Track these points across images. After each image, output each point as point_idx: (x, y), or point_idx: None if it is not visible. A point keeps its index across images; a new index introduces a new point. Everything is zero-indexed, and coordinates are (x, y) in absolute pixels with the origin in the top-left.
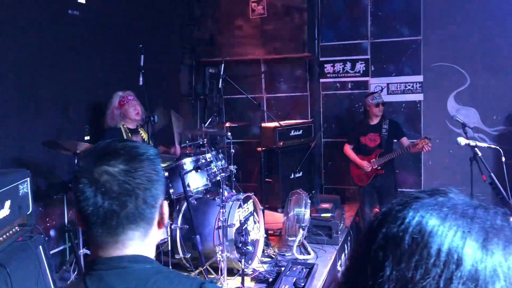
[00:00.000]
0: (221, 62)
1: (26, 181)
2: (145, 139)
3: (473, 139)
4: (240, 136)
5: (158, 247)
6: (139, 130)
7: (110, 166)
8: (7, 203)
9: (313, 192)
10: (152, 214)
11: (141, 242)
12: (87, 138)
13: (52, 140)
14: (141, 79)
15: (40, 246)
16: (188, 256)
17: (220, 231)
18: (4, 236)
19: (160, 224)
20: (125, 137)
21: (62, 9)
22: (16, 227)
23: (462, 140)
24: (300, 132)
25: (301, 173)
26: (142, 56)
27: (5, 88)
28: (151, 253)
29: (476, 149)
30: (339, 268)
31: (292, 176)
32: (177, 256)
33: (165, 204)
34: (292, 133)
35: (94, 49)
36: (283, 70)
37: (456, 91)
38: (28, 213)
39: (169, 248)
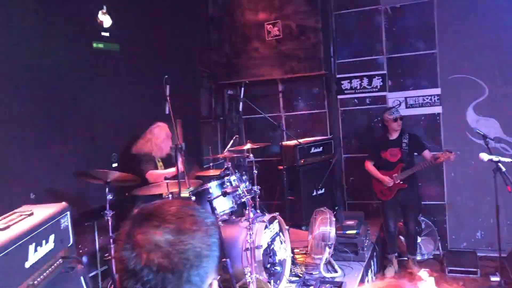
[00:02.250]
0: (239, 84)
1: (67, 214)
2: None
3: (495, 149)
4: (261, 155)
5: None
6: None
7: (156, 232)
8: (51, 237)
9: (336, 208)
10: None
11: None
12: (115, 165)
13: (83, 171)
14: (167, 108)
15: (82, 277)
16: (218, 278)
17: (248, 252)
18: (49, 269)
19: None
20: (158, 166)
21: (87, 42)
22: (60, 260)
23: (484, 156)
24: (320, 149)
25: (323, 189)
26: (168, 86)
27: (36, 119)
28: None
29: (499, 164)
30: (366, 284)
31: (315, 193)
32: None
33: (215, 284)
34: (313, 150)
35: (118, 79)
36: (300, 88)
37: (475, 102)
38: (69, 245)
39: None
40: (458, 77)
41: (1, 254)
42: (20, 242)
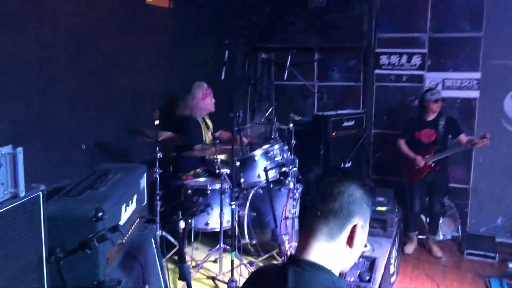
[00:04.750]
0: (275, 48)
1: (144, 175)
2: (210, 127)
3: None
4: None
5: (226, 232)
6: (205, 119)
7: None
8: (135, 198)
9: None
10: (343, 221)
11: (327, 243)
12: (156, 122)
13: (137, 128)
14: (223, 73)
15: (153, 237)
16: (255, 242)
17: (288, 221)
18: (131, 228)
19: (349, 243)
20: (203, 129)
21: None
22: (138, 219)
23: None
24: (352, 122)
25: (350, 163)
26: (227, 52)
27: (82, 78)
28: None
29: None
30: (391, 261)
31: (342, 165)
32: (243, 241)
33: (359, 229)
34: (345, 123)
35: (168, 39)
36: (337, 59)
37: None
38: (143, 204)
39: (237, 233)
40: (501, 63)
41: (107, 214)
42: (119, 202)
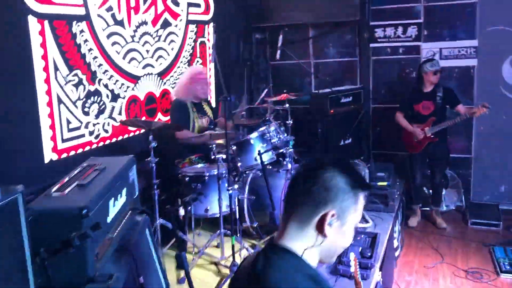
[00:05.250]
0: (268, 28)
1: (134, 167)
2: (209, 114)
3: None
4: (290, 102)
5: (225, 217)
6: (203, 105)
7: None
8: (124, 191)
9: (362, 157)
10: (314, 207)
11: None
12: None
13: (131, 119)
14: (214, 57)
15: (147, 228)
16: (256, 225)
17: None
18: (122, 222)
19: (320, 230)
20: (192, 114)
21: None
22: (129, 212)
23: None
24: (350, 98)
25: (350, 139)
26: (215, 35)
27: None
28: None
29: None
30: (394, 235)
31: (342, 142)
32: (244, 224)
33: (329, 217)
34: (342, 100)
35: None
36: (331, 35)
37: None
38: (135, 197)
39: (237, 216)
40: (497, 29)
41: (93, 211)
42: (105, 198)
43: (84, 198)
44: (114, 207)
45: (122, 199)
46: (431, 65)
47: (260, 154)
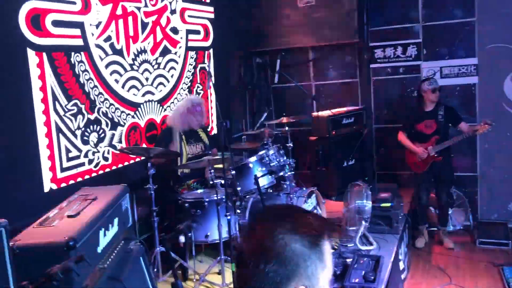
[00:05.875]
0: (269, 52)
1: (127, 196)
2: (205, 141)
3: None
4: (290, 125)
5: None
6: (198, 132)
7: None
8: (116, 220)
9: (366, 179)
10: (276, 286)
11: None
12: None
13: (129, 147)
14: (209, 83)
15: (141, 257)
16: None
17: None
18: (115, 252)
19: None
20: (180, 141)
21: None
22: (122, 241)
23: None
24: (352, 119)
25: (353, 160)
26: (210, 62)
27: None
28: None
29: None
30: (400, 257)
31: (345, 164)
32: None
33: None
34: (344, 121)
35: None
36: (331, 57)
37: None
38: (129, 226)
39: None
40: (497, 46)
41: (80, 242)
42: (94, 228)
43: (71, 229)
44: (105, 237)
45: (114, 229)
46: (429, 84)
47: (256, 178)
